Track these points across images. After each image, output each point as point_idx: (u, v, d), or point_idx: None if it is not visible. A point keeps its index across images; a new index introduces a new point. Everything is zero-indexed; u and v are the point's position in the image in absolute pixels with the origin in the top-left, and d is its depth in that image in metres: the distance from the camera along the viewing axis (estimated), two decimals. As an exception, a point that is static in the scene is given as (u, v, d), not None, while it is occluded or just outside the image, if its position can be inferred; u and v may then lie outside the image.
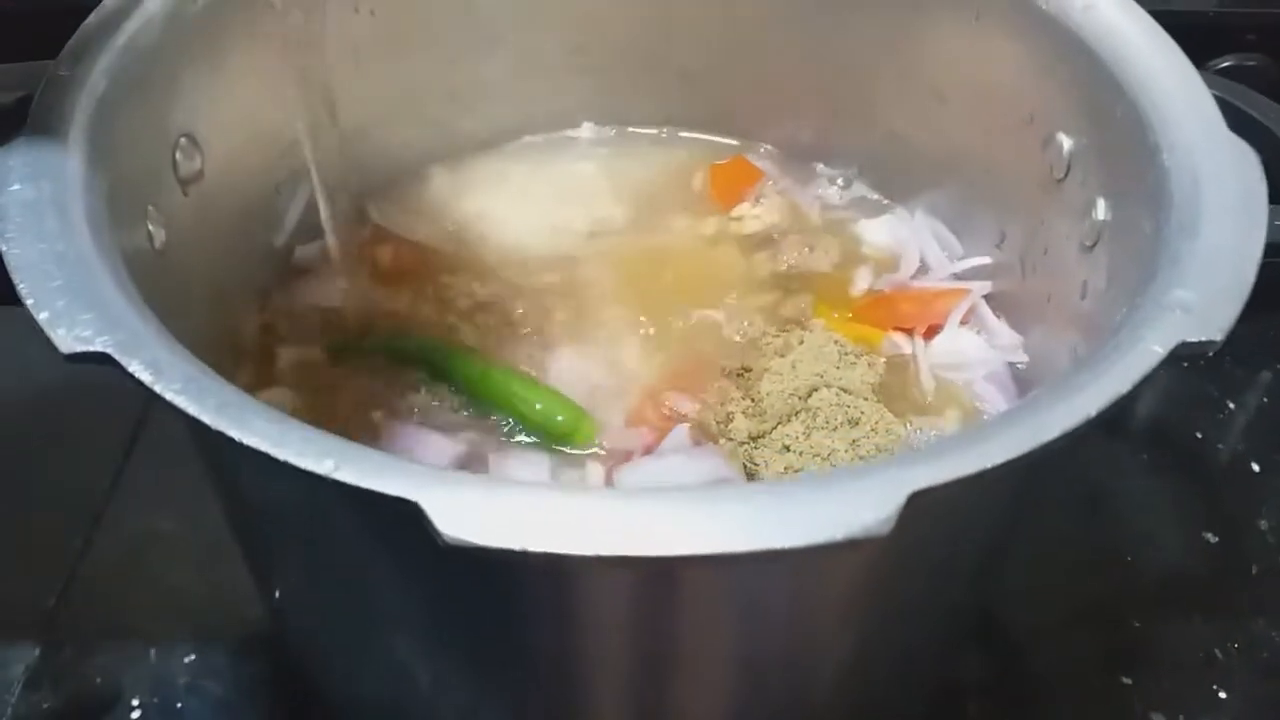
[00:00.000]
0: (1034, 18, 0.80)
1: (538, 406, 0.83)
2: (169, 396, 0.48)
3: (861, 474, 0.44)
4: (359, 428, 0.83)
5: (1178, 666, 0.85)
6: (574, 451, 0.82)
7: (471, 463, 0.81)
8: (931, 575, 0.59)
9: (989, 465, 0.45)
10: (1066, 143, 0.79)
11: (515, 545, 0.41)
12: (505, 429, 0.83)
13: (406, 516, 0.43)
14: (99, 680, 0.81)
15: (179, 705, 0.79)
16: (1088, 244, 0.76)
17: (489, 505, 0.43)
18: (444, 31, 0.96)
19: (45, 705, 0.79)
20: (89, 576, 0.87)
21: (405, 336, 0.89)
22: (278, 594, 0.72)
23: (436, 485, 0.44)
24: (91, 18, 0.70)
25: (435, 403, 0.84)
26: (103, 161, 0.63)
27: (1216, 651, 0.86)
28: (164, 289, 0.72)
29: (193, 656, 0.82)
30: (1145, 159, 0.67)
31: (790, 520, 0.41)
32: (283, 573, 0.68)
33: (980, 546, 0.63)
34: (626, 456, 0.81)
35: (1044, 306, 0.85)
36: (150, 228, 0.71)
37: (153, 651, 0.82)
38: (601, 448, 0.82)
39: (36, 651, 0.82)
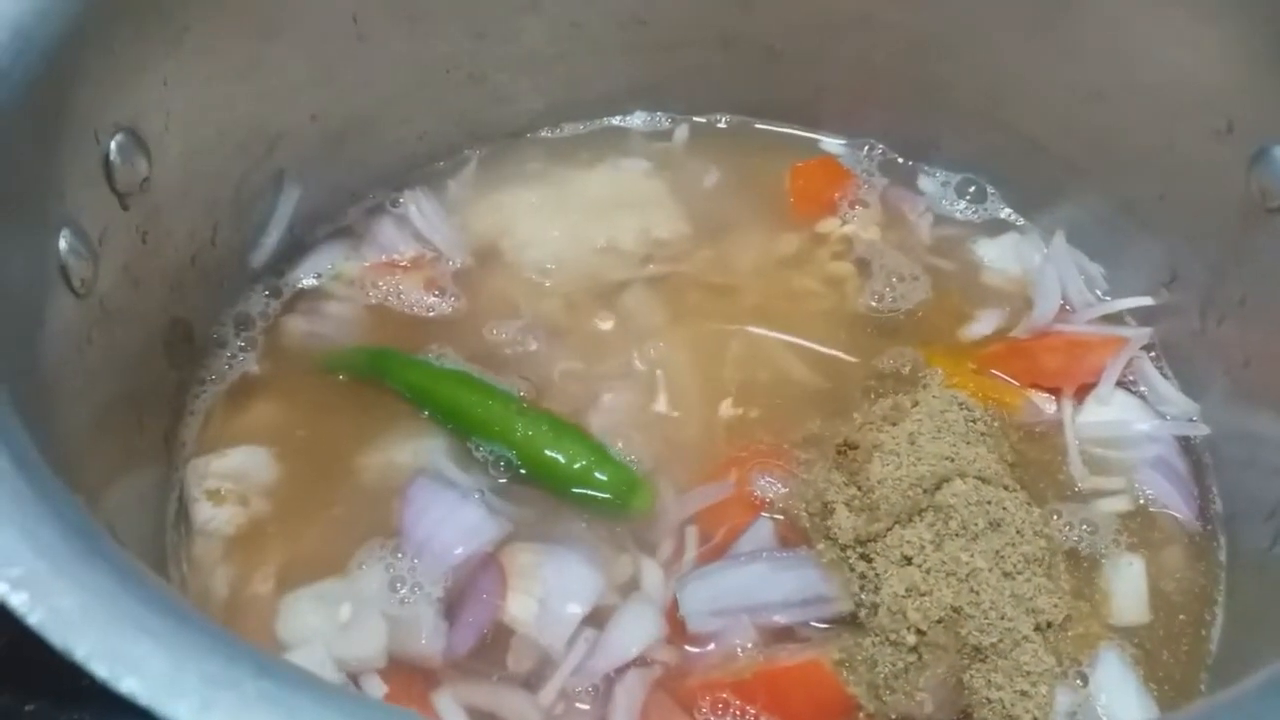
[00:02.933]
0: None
1: (580, 465, 0.66)
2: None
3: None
4: (366, 490, 0.66)
5: None
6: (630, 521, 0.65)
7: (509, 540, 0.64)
8: None
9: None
10: (1288, 160, 0.60)
11: None
12: (546, 497, 0.66)
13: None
14: None
15: None
16: (1325, 302, 0.57)
17: None
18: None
19: None
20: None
21: (420, 368, 0.71)
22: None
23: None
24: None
25: (468, 456, 0.67)
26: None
27: None
28: (89, 345, 0.56)
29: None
30: None
31: None
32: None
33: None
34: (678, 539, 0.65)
35: (1236, 370, 0.66)
36: (67, 263, 0.54)
37: None
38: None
39: None
